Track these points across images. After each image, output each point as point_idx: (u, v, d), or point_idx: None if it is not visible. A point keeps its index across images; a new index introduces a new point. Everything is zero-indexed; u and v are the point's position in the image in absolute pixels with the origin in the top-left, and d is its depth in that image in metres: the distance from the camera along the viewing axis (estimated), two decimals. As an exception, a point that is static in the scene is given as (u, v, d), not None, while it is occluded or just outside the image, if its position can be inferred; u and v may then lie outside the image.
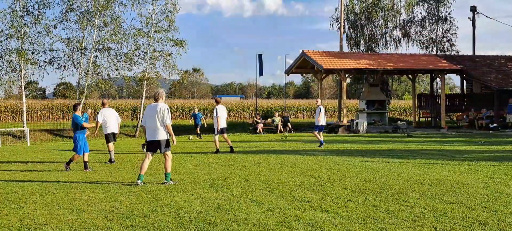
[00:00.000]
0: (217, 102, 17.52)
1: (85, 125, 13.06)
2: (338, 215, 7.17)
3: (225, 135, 17.43)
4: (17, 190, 9.60)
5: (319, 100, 20.79)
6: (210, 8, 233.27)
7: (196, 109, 30.77)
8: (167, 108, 10.11)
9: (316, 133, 19.66)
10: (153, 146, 10.17)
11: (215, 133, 17.26)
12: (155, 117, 10.02)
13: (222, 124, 17.17)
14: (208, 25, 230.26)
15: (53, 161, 15.74)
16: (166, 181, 10.15)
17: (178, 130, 33.27)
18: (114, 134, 15.27)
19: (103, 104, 15.58)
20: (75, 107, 13.30)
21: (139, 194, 8.95)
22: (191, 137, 27.06)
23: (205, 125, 28.25)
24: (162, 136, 10.06)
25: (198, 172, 11.92)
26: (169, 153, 10.20)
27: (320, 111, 19.58)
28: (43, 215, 7.44)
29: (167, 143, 10.16)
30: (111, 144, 15.04)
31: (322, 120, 19.57)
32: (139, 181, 10.04)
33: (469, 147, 18.42)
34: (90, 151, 13.89)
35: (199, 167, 13.00)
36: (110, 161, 14.73)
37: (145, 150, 10.43)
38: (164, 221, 6.95)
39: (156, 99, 10.23)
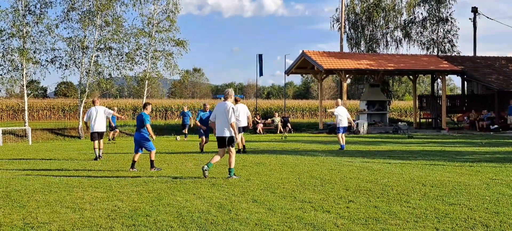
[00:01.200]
0: (236, 101, 17.51)
1: (148, 128, 12.48)
2: (340, 215, 7.18)
3: (242, 134, 17.29)
4: (20, 189, 9.62)
5: (340, 101, 19.26)
6: (210, 8, 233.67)
7: (186, 108, 29.19)
8: (232, 107, 10.83)
9: (343, 134, 18.39)
10: (222, 141, 10.85)
11: (239, 131, 17.17)
12: (222, 115, 10.80)
13: (240, 123, 16.83)
14: (209, 25, 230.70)
15: (55, 158, 15.75)
16: (229, 175, 10.72)
17: (171, 129, 33.32)
18: (99, 133, 15.53)
19: (94, 103, 15.95)
20: (145, 106, 12.95)
21: (141, 193, 8.98)
22: (178, 137, 26.09)
23: (191, 125, 27.03)
24: (228, 132, 10.78)
25: (200, 171, 11.91)
26: (233, 149, 10.84)
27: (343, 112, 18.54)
28: (45, 213, 7.46)
29: (232, 140, 10.84)
30: (96, 142, 15.48)
31: (346, 121, 18.47)
32: (234, 176, 10.72)
33: (470, 148, 18.43)
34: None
35: (200, 166, 12.98)
36: (99, 157, 15.31)
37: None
38: (166, 220, 6.96)
39: (225, 98, 10.98)
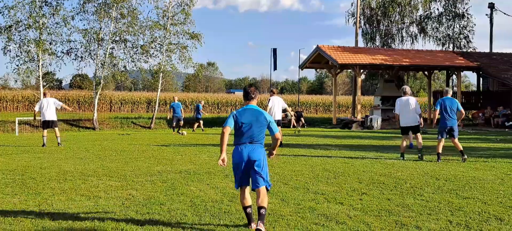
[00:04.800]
0: (272, 93, 17.08)
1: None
2: (353, 207, 7.18)
3: (279, 127, 16.22)
4: (35, 177, 9.74)
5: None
6: (226, 2, 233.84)
7: (176, 99, 27.47)
8: (417, 102, 13.13)
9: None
10: (406, 130, 13.19)
11: None
12: (409, 108, 12.93)
13: (274, 116, 16.33)
14: (224, 19, 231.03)
15: (70, 148, 15.89)
16: (419, 158, 12.83)
17: (189, 124, 33.46)
18: (49, 122, 16.84)
19: (44, 95, 17.43)
20: (250, 95, 6.66)
21: (155, 183, 9.05)
22: (185, 132, 24.63)
23: (181, 120, 26.08)
24: (414, 122, 13.06)
25: (213, 162, 11.98)
26: (419, 134, 13.17)
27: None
28: (61, 201, 7.56)
29: (417, 128, 13.16)
30: (45, 131, 16.85)
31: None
32: (402, 158, 12.85)
33: (484, 144, 18.28)
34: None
35: (213, 158, 13.05)
36: (58, 144, 16.63)
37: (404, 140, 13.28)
38: (180, 209, 7.02)
39: (405, 93, 13.02)
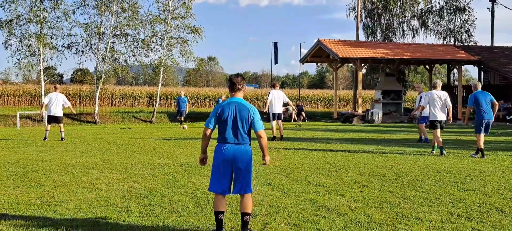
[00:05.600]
0: (274, 87, 16.94)
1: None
2: (354, 199, 7.20)
3: (280, 121, 16.66)
4: (37, 170, 9.76)
5: (421, 86, 17.27)
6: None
7: (182, 93, 26.82)
8: (448, 95, 12.96)
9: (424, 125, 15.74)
10: (435, 124, 12.82)
11: (271, 119, 16.57)
12: (440, 102, 12.75)
13: (273, 109, 16.40)
14: (225, 13, 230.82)
15: (71, 142, 15.92)
16: (432, 151, 12.84)
17: (190, 117, 33.49)
18: (55, 117, 16.81)
19: (55, 89, 17.32)
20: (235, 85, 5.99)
21: (157, 175, 9.06)
22: (185, 126, 24.58)
23: (184, 114, 25.72)
24: (443, 116, 12.83)
25: (214, 156, 11.98)
26: (438, 131, 12.79)
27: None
28: (62, 193, 7.57)
29: (445, 122, 13.01)
30: (49, 126, 17.22)
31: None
32: (442, 154, 12.25)
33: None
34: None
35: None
36: (45, 138, 16.75)
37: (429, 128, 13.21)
38: (181, 201, 7.03)
39: (434, 87, 12.99)
